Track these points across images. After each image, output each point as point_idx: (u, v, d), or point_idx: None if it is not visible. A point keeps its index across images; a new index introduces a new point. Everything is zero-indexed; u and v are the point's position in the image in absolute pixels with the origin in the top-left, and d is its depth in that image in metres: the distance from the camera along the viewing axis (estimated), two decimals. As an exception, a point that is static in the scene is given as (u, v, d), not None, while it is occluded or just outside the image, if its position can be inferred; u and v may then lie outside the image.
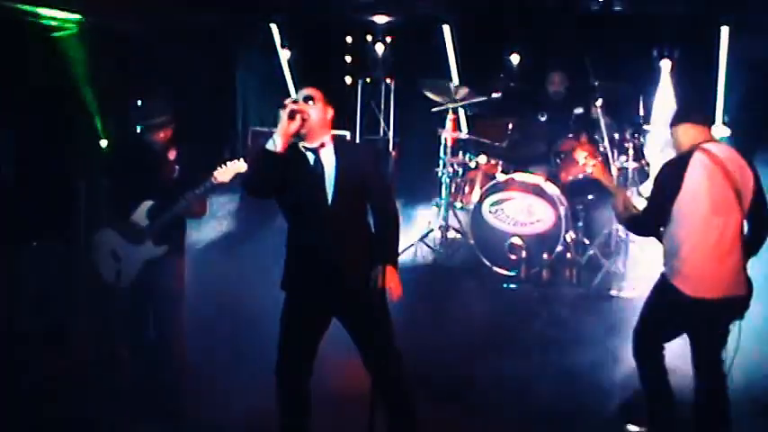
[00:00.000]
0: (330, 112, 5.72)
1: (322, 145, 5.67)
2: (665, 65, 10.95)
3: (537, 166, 10.07)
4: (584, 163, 6.64)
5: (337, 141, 5.75)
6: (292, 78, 12.36)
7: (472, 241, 9.83)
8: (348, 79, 12.24)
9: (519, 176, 9.79)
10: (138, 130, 6.92)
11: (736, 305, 5.91)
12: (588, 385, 7.08)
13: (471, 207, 9.93)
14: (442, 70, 11.63)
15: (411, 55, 11.87)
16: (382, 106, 12.17)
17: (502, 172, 10.00)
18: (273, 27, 12.33)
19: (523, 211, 9.65)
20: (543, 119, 10.38)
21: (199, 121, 9.62)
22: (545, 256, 9.50)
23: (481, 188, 10.03)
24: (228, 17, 11.30)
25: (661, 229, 6.02)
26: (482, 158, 10.19)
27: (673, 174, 5.90)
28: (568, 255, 9.52)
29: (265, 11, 11.92)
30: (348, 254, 5.66)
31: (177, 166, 6.97)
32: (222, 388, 7.07)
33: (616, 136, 9.67)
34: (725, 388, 5.96)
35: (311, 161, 5.65)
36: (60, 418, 6.82)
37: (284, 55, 12.37)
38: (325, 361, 5.92)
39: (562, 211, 9.50)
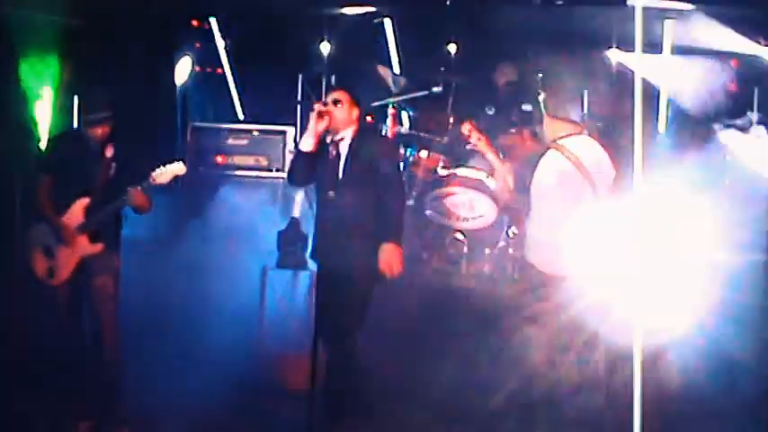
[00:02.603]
0: (355, 113, 6.57)
1: (342, 138, 6.51)
2: (608, 58, 10.97)
3: (479, 162, 9.98)
4: (467, 136, 6.84)
5: (356, 134, 6.54)
6: (232, 73, 12.20)
7: (413, 236, 9.70)
8: (288, 73, 12.07)
9: (461, 171, 9.70)
10: (76, 126, 6.84)
11: (570, 284, 6.33)
12: (529, 383, 7.02)
13: (412, 202, 9.80)
14: (383, 64, 11.51)
15: (352, 49, 11.77)
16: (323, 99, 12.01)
17: (443, 167, 9.90)
18: (213, 21, 12.16)
19: (465, 206, 9.59)
20: (490, 113, 10.31)
21: (136, 118, 9.49)
22: (487, 251, 9.46)
23: (422, 183, 9.94)
24: (168, 11, 11.13)
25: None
26: (423, 153, 10.10)
27: (525, 168, 6.47)
28: (511, 250, 9.45)
29: (205, 4, 11.76)
30: (350, 234, 6.36)
31: (114, 164, 6.91)
32: (158, 384, 7.06)
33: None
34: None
35: (332, 151, 6.48)
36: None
37: (224, 49, 12.21)
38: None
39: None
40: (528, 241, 6.55)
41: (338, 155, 6.50)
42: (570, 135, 6.39)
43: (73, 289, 6.96)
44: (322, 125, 6.38)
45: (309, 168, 6.52)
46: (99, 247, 6.89)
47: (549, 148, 6.36)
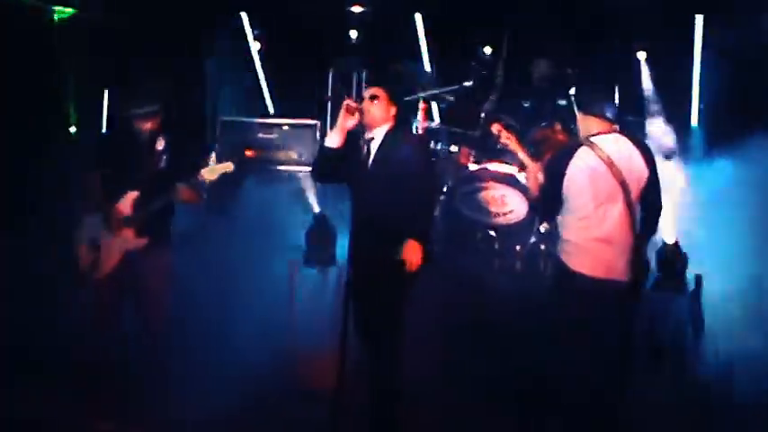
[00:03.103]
0: (393, 110, 6.49)
1: (374, 137, 6.44)
2: (641, 54, 10.86)
3: (510, 156, 9.90)
4: (497, 136, 6.82)
5: (388, 132, 6.45)
6: (263, 67, 12.21)
7: (444, 232, 9.63)
8: (319, 68, 12.05)
9: (492, 166, 9.62)
10: (126, 120, 6.89)
11: (619, 290, 6.19)
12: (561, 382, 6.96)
13: (442, 197, 9.73)
14: (414, 59, 11.47)
15: (383, 44, 11.72)
16: (354, 95, 11.99)
17: (474, 162, 9.82)
18: (244, 15, 12.17)
19: (496, 201, 9.51)
20: (526, 105, 10.25)
21: (183, 112, 9.54)
22: (518, 247, 9.37)
23: (453, 179, 9.85)
24: (200, 4, 11.18)
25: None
26: (453, 148, 10.03)
27: (556, 166, 6.29)
28: (542, 246, 9.37)
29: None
30: (375, 234, 6.24)
31: (164, 157, 6.98)
32: (184, 383, 7.00)
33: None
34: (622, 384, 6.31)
35: (365, 148, 6.42)
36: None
37: (255, 43, 12.21)
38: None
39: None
40: (560, 240, 6.43)
41: (369, 152, 6.44)
42: (602, 133, 6.30)
43: (115, 284, 6.94)
44: (351, 121, 6.35)
45: (333, 164, 6.45)
46: (144, 240, 6.89)
47: (581, 145, 6.27)
